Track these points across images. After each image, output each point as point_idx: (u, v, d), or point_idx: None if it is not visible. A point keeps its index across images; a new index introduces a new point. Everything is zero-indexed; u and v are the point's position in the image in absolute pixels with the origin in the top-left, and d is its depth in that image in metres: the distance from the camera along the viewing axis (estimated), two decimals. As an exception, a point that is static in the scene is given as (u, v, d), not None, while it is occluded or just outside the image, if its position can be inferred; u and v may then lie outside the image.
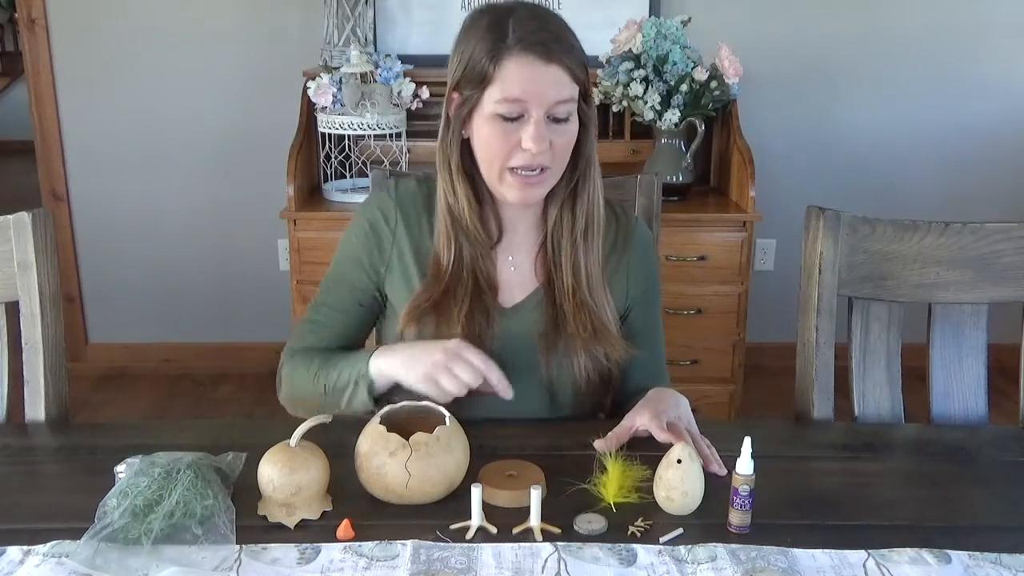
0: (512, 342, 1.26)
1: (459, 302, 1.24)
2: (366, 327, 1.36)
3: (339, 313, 1.34)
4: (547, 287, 1.29)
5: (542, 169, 1.19)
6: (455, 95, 1.21)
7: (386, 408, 1.11)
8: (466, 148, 1.24)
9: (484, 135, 1.19)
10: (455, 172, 1.24)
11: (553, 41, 1.16)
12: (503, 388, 1.17)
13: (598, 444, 1.14)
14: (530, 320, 1.28)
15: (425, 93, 2.68)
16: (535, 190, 1.21)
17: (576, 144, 1.22)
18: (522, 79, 1.15)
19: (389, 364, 1.21)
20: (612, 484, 1.05)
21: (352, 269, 1.32)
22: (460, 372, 1.14)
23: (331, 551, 0.96)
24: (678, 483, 1.02)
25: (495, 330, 1.25)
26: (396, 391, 1.22)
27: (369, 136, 2.63)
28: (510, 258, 1.30)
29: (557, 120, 1.18)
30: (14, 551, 0.96)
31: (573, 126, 1.20)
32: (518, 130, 1.17)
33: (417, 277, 1.29)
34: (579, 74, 1.18)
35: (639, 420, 1.17)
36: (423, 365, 1.16)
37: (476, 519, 1.00)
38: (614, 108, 2.74)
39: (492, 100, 1.16)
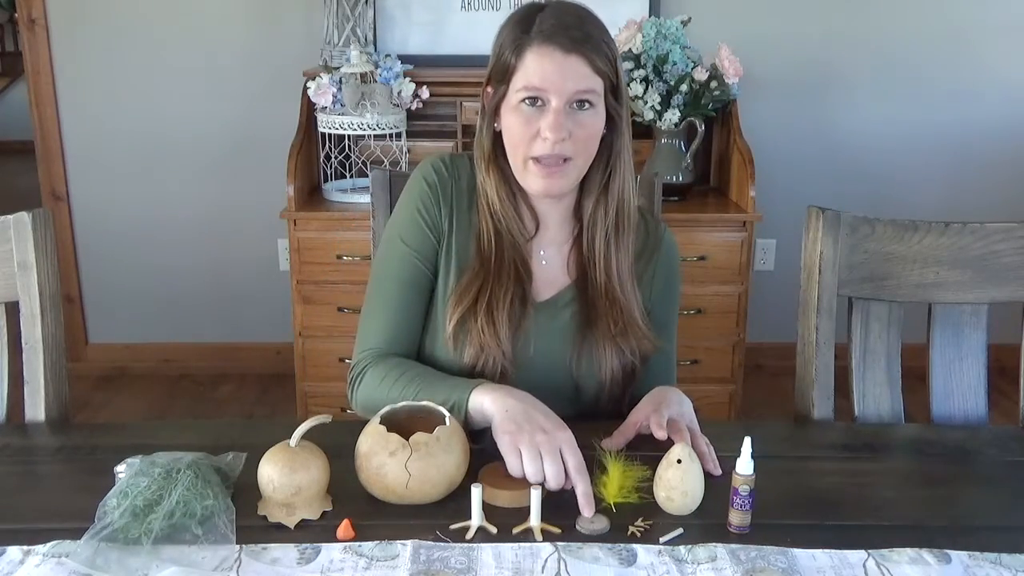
0: (542, 337, 1.28)
1: (504, 286, 1.25)
2: (428, 298, 1.31)
3: (403, 286, 1.29)
4: (579, 284, 1.30)
5: (565, 160, 1.21)
6: (488, 89, 1.26)
7: (386, 408, 1.11)
8: (499, 142, 1.27)
9: (509, 124, 1.23)
10: (488, 164, 1.27)
11: (576, 33, 1.18)
12: (584, 503, 1.02)
13: (606, 443, 1.14)
14: (560, 317, 1.29)
15: (425, 93, 2.68)
16: (556, 181, 1.22)
17: (609, 140, 1.25)
18: (542, 68, 1.18)
19: (491, 404, 1.13)
20: (612, 484, 1.05)
21: (410, 228, 1.29)
22: (549, 467, 1.05)
23: (331, 551, 0.96)
24: (678, 483, 1.02)
25: (530, 320, 1.27)
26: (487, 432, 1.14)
27: (369, 136, 2.63)
28: (541, 252, 1.32)
29: (579, 111, 1.20)
30: (14, 551, 0.95)
31: (596, 118, 1.22)
32: (539, 119, 1.20)
33: (455, 254, 1.29)
34: (602, 67, 1.19)
35: (640, 416, 1.18)
36: (519, 432, 1.07)
37: (476, 519, 1.00)
38: (614, 108, 2.74)
39: (515, 90, 1.20)
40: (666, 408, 1.18)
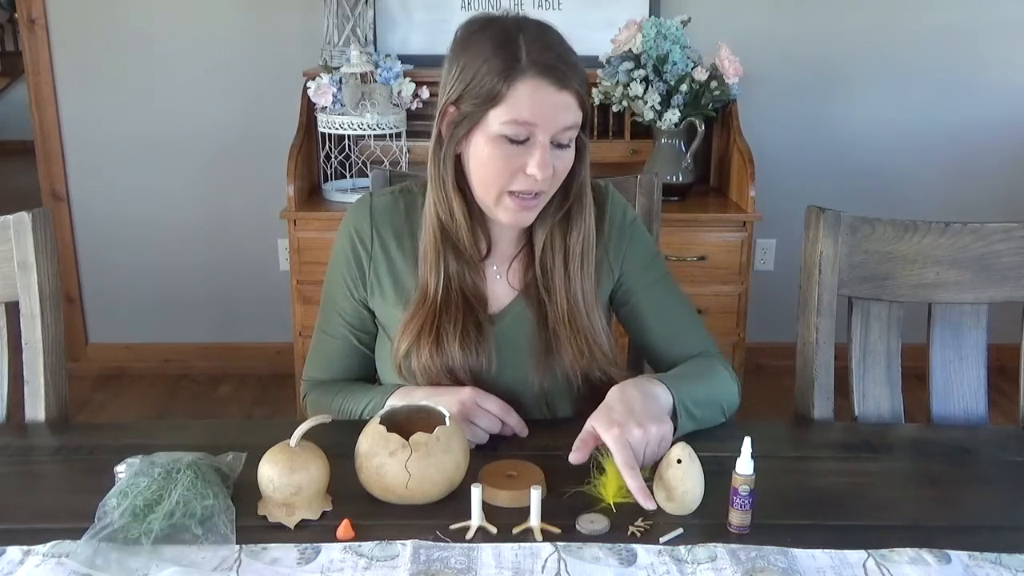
0: (503, 348, 1.26)
1: (452, 319, 1.23)
2: (371, 348, 1.36)
3: (339, 340, 1.35)
4: (527, 294, 1.29)
5: (541, 193, 1.19)
6: (452, 109, 1.18)
7: (386, 408, 1.11)
8: (458, 163, 1.22)
9: (484, 156, 1.17)
10: (451, 189, 1.22)
11: (566, 66, 1.14)
12: (520, 429, 1.20)
13: (572, 458, 1.07)
14: (516, 325, 1.28)
15: (425, 93, 2.69)
16: (531, 213, 1.21)
17: (572, 167, 1.22)
18: (535, 103, 1.12)
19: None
20: (612, 484, 1.04)
21: (339, 293, 1.33)
22: (480, 422, 1.17)
23: (331, 551, 0.96)
24: (678, 483, 1.02)
25: (488, 341, 1.25)
26: None
27: (369, 136, 2.63)
28: (494, 267, 1.30)
29: (560, 146, 1.17)
30: (14, 551, 0.96)
31: (571, 152, 1.20)
32: (522, 154, 1.15)
33: (395, 296, 1.29)
34: (585, 100, 1.17)
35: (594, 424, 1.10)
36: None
37: (476, 519, 1.00)
38: (614, 108, 2.74)
39: (499, 120, 1.14)
40: (615, 423, 1.06)
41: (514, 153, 1.15)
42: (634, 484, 1.01)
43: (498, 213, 1.21)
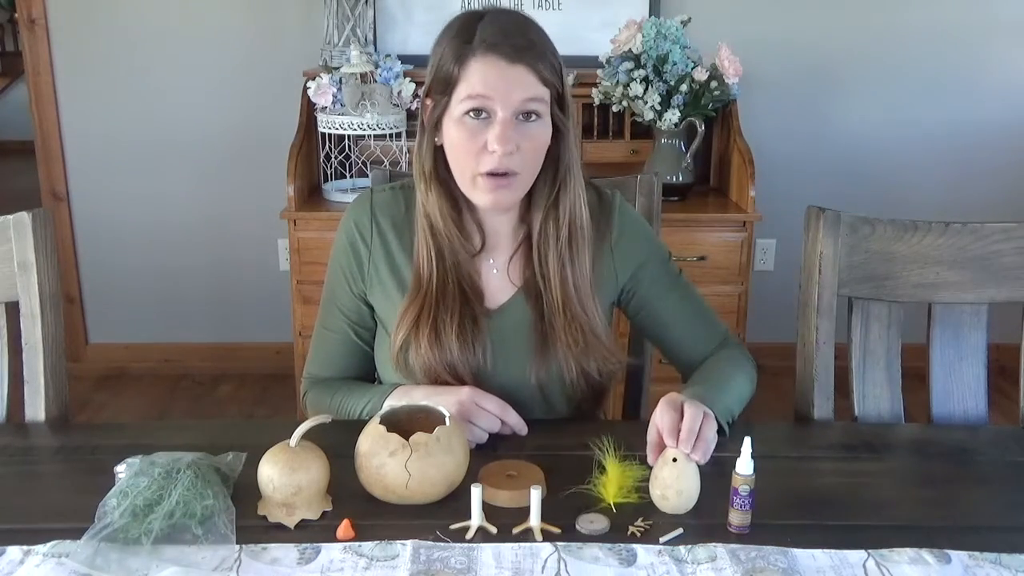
0: (500, 344, 1.26)
1: (449, 310, 1.23)
2: (370, 344, 1.36)
3: (338, 335, 1.35)
4: (527, 289, 1.29)
5: (512, 174, 1.18)
6: (428, 101, 1.22)
7: (386, 408, 1.11)
8: (440, 155, 1.23)
9: (454, 139, 1.19)
10: (430, 180, 1.23)
11: (520, 41, 1.16)
12: (519, 427, 1.21)
13: (651, 461, 1.08)
14: (515, 321, 1.28)
15: (425, 93, 2.68)
16: (505, 193, 1.20)
17: (556, 152, 1.22)
18: (486, 77, 1.15)
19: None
20: (612, 484, 1.05)
21: (339, 288, 1.34)
22: (479, 422, 1.18)
23: (331, 551, 0.96)
24: (673, 482, 1.02)
25: (485, 335, 1.25)
26: None
27: (369, 136, 2.63)
28: (491, 261, 1.30)
29: (525, 122, 1.17)
30: (14, 551, 0.96)
31: (543, 130, 1.19)
32: (485, 132, 1.16)
33: (395, 290, 1.29)
34: (548, 76, 1.17)
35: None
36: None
37: (476, 519, 1.00)
38: (614, 108, 2.74)
39: (459, 101, 1.16)
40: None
41: (477, 131, 1.17)
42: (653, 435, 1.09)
43: (475, 197, 1.21)
